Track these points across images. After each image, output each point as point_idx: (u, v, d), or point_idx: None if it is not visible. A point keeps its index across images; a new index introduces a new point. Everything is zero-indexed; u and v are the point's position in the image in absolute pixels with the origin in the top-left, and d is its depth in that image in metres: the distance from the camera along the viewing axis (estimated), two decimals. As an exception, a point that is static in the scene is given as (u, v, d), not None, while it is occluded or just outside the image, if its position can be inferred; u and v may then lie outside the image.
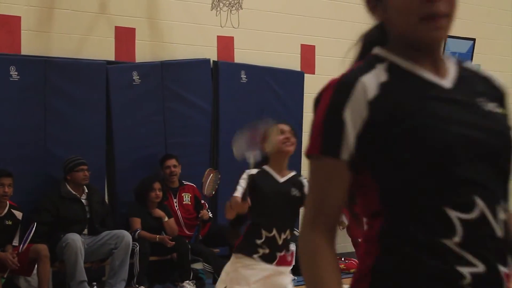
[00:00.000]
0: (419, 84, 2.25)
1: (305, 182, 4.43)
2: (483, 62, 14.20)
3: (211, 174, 10.09)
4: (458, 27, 12.88)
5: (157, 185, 9.53)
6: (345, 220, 11.50)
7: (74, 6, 9.67)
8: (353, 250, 11.85)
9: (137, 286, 9.14)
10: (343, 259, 11.20)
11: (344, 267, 11.04)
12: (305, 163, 10.48)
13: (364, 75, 2.30)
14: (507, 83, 11.44)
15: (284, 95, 11.24)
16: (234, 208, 5.55)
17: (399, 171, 2.17)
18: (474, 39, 14.06)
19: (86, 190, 9.20)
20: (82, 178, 9.10)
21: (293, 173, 5.95)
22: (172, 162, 9.89)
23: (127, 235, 9.06)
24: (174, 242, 9.37)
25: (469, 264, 2.15)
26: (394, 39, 2.34)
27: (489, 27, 14.27)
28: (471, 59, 14.05)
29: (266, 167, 5.80)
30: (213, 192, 10.13)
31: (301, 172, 11.54)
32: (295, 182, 5.83)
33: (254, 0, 10.94)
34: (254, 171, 5.79)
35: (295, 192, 5.75)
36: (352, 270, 11.03)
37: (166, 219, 9.56)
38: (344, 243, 11.99)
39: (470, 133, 2.20)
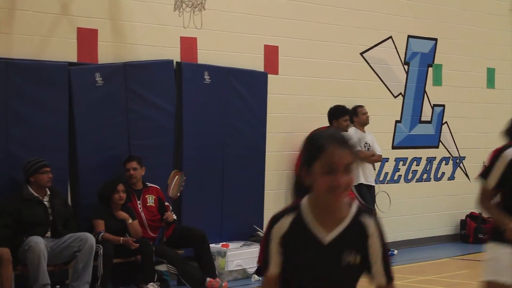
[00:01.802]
0: (307, 238, 3.42)
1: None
2: (445, 61, 14.33)
3: (177, 176, 10.08)
4: (420, 27, 13.06)
5: (120, 187, 9.48)
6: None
7: (35, 7, 9.59)
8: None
9: (101, 288, 9.11)
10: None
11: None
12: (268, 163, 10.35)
13: (276, 223, 3.48)
14: (468, 81, 11.57)
15: (247, 95, 11.25)
16: None
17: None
18: (436, 39, 14.17)
19: (49, 193, 9.13)
20: (46, 181, 9.04)
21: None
22: (132, 165, 9.84)
23: (90, 238, 9.01)
24: (138, 244, 9.34)
25: None
26: (313, 196, 3.48)
27: (450, 27, 14.38)
28: (433, 58, 14.15)
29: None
30: (178, 194, 10.12)
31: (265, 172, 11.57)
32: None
33: (217, 1, 10.93)
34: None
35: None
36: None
37: (130, 221, 9.52)
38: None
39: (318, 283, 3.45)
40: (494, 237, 5.25)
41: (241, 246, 10.70)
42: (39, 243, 8.62)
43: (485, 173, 5.51)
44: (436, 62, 14.22)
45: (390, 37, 13.44)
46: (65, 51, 9.74)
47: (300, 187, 3.55)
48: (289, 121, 11.93)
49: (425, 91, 14.05)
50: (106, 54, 10.05)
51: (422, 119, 14.01)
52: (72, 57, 9.80)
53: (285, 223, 3.46)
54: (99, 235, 9.26)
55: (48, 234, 9.05)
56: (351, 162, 3.36)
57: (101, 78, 9.84)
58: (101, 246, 9.12)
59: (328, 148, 3.39)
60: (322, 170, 3.37)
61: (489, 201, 5.47)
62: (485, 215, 5.33)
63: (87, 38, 9.91)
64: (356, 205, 3.48)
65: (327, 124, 11.95)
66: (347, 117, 11.75)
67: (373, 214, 3.52)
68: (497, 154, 5.51)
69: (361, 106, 12.56)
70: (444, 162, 14.35)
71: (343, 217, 3.44)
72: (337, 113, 11.75)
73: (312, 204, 3.46)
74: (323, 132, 3.54)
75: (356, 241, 3.44)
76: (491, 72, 15.15)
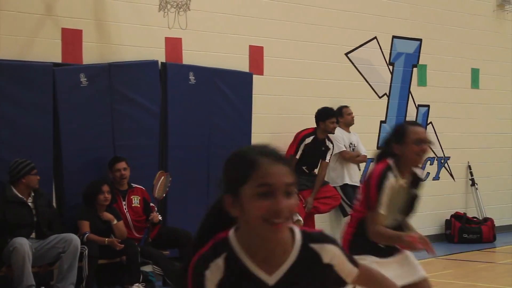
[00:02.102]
0: (249, 282, 2.76)
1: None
2: (430, 62, 14.37)
3: (162, 177, 10.06)
4: (405, 28, 13.08)
5: (105, 188, 9.46)
6: (300, 220, 11.56)
7: (19, 7, 9.56)
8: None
9: (86, 289, 9.08)
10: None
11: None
12: None
13: (207, 269, 2.77)
14: (453, 82, 11.59)
15: (232, 96, 11.24)
16: None
17: None
18: (420, 40, 14.21)
19: (33, 194, 9.10)
20: (36, 182, 9.03)
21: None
22: (122, 165, 9.83)
23: (75, 239, 8.99)
24: (123, 245, 9.32)
25: None
26: (244, 230, 2.79)
27: (435, 27, 14.43)
28: (418, 59, 14.19)
29: None
30: (164, 195, 10.10)
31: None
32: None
33: (202, 1, 10.93)
34: None
35: None
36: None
37: (115, 222, 9.50)
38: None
39: None
40: (355, 250, 5.07)
41: (226, 246, 10.68)
42: (24, 244, 8.59)
43: (375, 204, 5.54)
44: (420, 62, 14.26)
45: (375, 37, 13.47)
46: (49, 51, 9.71)
47: (217, 220, 2.87)
48: (274, 121, 11.94)
49: (409, 92, 14.08)
50: (91, 54, 10.03)
51: (407, 119, 14.04)
52: (57, 57, 9.77)
53: (218, 268, 2.78)
54: (84, 236, 9.24)
55: (33, 235, 9.02)
56: (291, 182, 2.71)
57: (85, 79, 9.81)
58: (86, 247, 9.10)
59: (262, 163, 2.70)
60: (256, 192, 2.68)
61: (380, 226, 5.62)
62: (383, 241, 5.40)
63: (71, 38, 9.88)
64: (300, 231, 2.86)
65: (313, 125, 11.97)
66: (334, 119, 11.77)
67: (322, 235, 2.91)
68: (379, 184, 5.57)
69: (346, 107, 12.58)
70: (429, 162, 14.39)
71: (287, 249, 2.80)
72: (324, 115, 11.76)
73: (244, 240, 2.78)
74: (252, 146, 2.87)
75: (311, 274, 2.85)
76: (475, 73, 15.20)
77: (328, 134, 11.80)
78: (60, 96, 9.62)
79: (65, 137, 9.66)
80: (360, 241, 5.64)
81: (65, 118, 9.67)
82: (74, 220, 9.47)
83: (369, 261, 5.47)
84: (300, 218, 11.52)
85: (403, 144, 5.70)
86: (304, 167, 11.79)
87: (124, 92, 10.17)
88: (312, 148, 11.69)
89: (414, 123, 5.90)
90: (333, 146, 11.92)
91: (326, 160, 11.86)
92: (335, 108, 12.47)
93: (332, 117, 11.75)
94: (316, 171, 11.99)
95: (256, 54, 11.76)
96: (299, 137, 11.71)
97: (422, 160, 5.71)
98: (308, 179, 11.86)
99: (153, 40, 10.58)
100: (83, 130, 9.80)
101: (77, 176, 9.67)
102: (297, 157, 11.63)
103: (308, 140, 11.68)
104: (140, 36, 10.47)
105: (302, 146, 11.64)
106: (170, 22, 10.17)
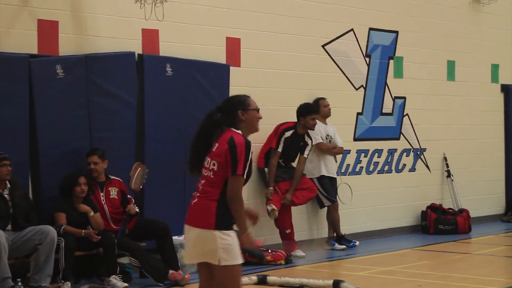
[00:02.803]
0: None
1: None
2: (406, 54, 14.43)
3: (139, 168, 10.05)
4: (381, 20, 13.15)
5: (82, 180, 9.44)
6: (275, 209, 11.59)
7: (-5, -2, 9.50)
8: (280, 241, 11.94)
9: (62, 281, 9.05)
10: (269, 250, 11.25)
11: (271, 259, 11.09)
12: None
13: None
14: (429, 74, 11.71)
15: (209, 88, 11.24)
16: None
17: None
18: (397, 32, 14.26)
19: (9, 185, 9.07)
20: (5, 174, 8.97)
21: None
22: (93, 159, 9.80)
23: (52, 231, 8.96)
24: (100, 237, 9.30)
25: None
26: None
27: (411, 20, 14.49)
28: (394, 51, 14.24)
29: None
30: (141, 187, 10.08)
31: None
32: None
33: (179, -8, 10.92)
34: None
35: None
36: (278, 262, 11.11)
37: (92, 213, 9.48)
38: (271, 234, 12.06)
39: None
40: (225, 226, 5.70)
41: (203, 238, 10.68)
42: (0, 237, 8.56)
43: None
44: (397, 54, 14.31)
45: (352, 29, 13.50)
46: (25, 43, 9.66)
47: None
48: (251, 113, 11.93)
49: (386, 84, 14.14)
50: (67, 46, 9.98)
51: (384, 111, 14.10)
52: (33, 49, 9.72)
53: None
54: (60, 228, 9.22)
55: (9, 227, 8.98)
56: None
57: (62, 70, 9.77)
58: (62, 239, 9.07)
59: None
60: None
61: None
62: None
63: (48, 30, 9.83)
64: None
65: (289, 116, 12.00)
66: (314, 116, 11.79)
67: None
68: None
69: (323, 99, 12.61)
70: (405, 154, 14.46)
71: None
72: (305, 110, 11.81)
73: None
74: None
75: None
76: (451, 65, 15.28)
77: (308, 130, 11.85)
78: (36, 87, 9.57)
79: (41, 129, 9.63)
80: None
81: (42, 109, 9.63)
82: (50, 212, 9.44)
83: None
84: (275, 208, 11.56)
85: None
86: (280, 160, 11.83)
87: (101, 83, 10.14)
88: (291, 142, 11.73)
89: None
90: (311, 141, 11.96)
91: (304, 155, 11.90)
92: (312, 100, 12.51)
93: (313, 113, 11.79)
94: (292, 164, 12.03)
95: (233, 46, 11.76)
96: (280, 130, 11.73)
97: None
98: (285, 171, 11.90)
99: (130, 32, 10.55)
100: (60, 121, 9.76)
101: (53, 168, 9.64)
102: (280, 150, 11.68)
103: (288, 134, 11.72)
104: (117, 28, 10.44)
105: (282, 139, 11.68)
106: (147, 14, 10.14)
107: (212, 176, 5.71)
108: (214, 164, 5.70)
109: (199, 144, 5.96)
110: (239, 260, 5.69)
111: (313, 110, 11.87)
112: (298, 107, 11.88)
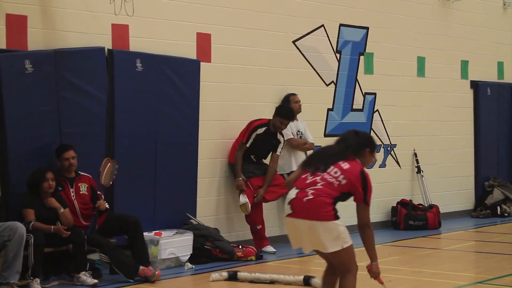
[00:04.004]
0: None
1: None
2: (376, 50, 14.47)
3: (109, 164, 9.99)
4: (352, 16, 13.17)
5: (49, 175, 9.37)
6: (248, 202, 11.58)
7: (-38, -8, 9.41)
8: (251, 237, 11.93)
9: (32, 278, 8.99)
10: (240, 246, 11.24)
11: (242, 255, 11.08)
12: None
13: None
14: (399, 70, 11.75)
15: (180, 83, 11.20)
16: None
17: None
18: (367, 28, 14.30)
19: (-23, 182, 9.00)
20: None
21: None
22: (71, 154, 9.74)
23: (20, 227, 8.89)
24: (69, 233, 9.24)
25: None
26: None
27: (382, 16, 14.53)
28: (365, 47, 14.28)
29: None
30: (111, 183, 10.03)
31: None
32: None
33: (149, -13, 10.87)
34: None
35: None
36: (249, 258, 11.10)
37: (62, 210, 9.42)
38: (243, 230, 12.06)
39: None
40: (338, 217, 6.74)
41: (174, 234, 10.68)
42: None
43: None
44: (367, 50, 14.35)
45: (322, 25, 13.52)
46: (-7, 37, 9.58)
47: None
48: (222, 109, 11.94)
49: (356, 80, 14.17)
50: (36, 41, 9.90)
51: (354, 107, 14.14)
52: (1, 44, 9.63)
53: None
54: (29, 224, 9.15)
55: (-23, 223, 8.92)
56: None
57: (31, 65, 9.69)
58: (31, 235, 9.01)
59: None
60: None
61: None
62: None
63: (16, 24, 9.75)
64: None
65: (260, 112, 12.01)
66: (283, 121, 11.70)
67: None
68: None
69: (293, 94, 12.62)
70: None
71: None
72: (278, 111, 11.79)
73: None
74: None
75: None
76: (421, 61, 15.34)
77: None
78: (4, 82, 9.48)
79: (9, 124, 9.54)
80: None
81: (10, 105, 9.54)
82: (19, 208, 9.37)
83: None
84: (247, 200, 11.55)
85: None
86: (252, 156, 11.82)
87: (70, 79, 10.08)
88: (263, 139, 11.72)
89: None
90: (284, 140, 11.95)
91: (277, 153, 11.90)
92: (282, 96, 12.52)
93: (284, 118, 11.71)
94: (263, 161, 12.02)
95: (203, 42, 11.73)
96: (252, 126, 11.71)
97: None
98: (257, 167, 11.89)
99: (100, 27, 10.48)
100: (29, 117, 9.68)
101: (22, 163, 9.56)
102: (248, 145, 11.66)
103: (261, 130, 11.70)
104: (86, 23, 10.37)
105: (253, 135, 11.66)
106: (117, 9, 10.10)
107: (336, 185, 6.54)
108: (343, 178, 6.55)
109: (335, 154, 6.71)
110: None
111: (285, 115, 11.76)
112: (277, 106, 11.92)
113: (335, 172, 6.56)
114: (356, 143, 6.76)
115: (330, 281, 6.78)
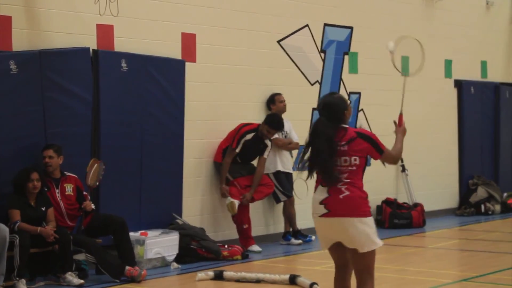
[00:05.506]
0: None
1: None
2: (361, 49, 14.51)
3: (96, 165, 9.99)
4: (336, 16, 13.19)
5: (34, 175, 9.36)
6: (235, 201, 11.59)
7: None
8: (237, 237, 11.95)
9: (17, 279, 8.97)
10: (226, 246, 11.25)
11: (227, 254, 11.10)
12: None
13: None
14: (383, 69, 11.79)
15: (165, 83, 11.21)
16: None
17: None
18: (352, 27, 14.34)
19: (-37, 183, 8.98)
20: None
21: None
22: (48, 153, 9.73)
23: (3, 228, 8.85)
24: (54, 238, 9.22)
25: None
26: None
27: (366, 15, 14.57)
28: (349, 46, 14.32)
29: None
30: (97, 183, 10.03)
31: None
32: None
33: (134, -12, 10.86)
34: None
35: None
36: (235, 257, 11.11)
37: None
38: (229, 230, 12.07)
39: None
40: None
41: (160, 234, 10.68)
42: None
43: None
44: (352, 50, 14.40)
45: (307, 25, 13.55)
46: (-22, 38, 9.56)
47: None
48: (207, 109, 11.95)
49: (341, 79, 14.21)
50: (21, 41, 9.89)
51: (339, 106, 14.14)
52: (-14, 44, 9.62)
53: None
54: (15, 224, 9.14)
55: (-38, 225, 8.89)
56: None
57: (15, 66, 9.68)
58: (17, 236, 9.00)
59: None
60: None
61: None
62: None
63: (1, 25, 9.72)
64: None
65: (245, 112, 12.03)
66: (271, 130, 11.78)
67: None
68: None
69: (278, 94, 12.65)
70: (360, 148, 14.53)
71: None
72: (267, 120, 11.85)
73: None
74: None
75: None
76: (405, 60, 15.35)
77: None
78: (-11, 83, 9.47)
79: (-5, 125, 9.53)
80: None
81: (-5, 106, 9.53)
82: (5, 209, 9.36)
83: None
84: (234, 200, 11.57)
85: None
86: (238, 158, 11.84)
87: (55, 79, 10.06)
88: (251, 145, 11.76)
89: None
90: (271, 143, 11.98)
91: (264, 156, 11.94)
92: (267, 95, 12.55)
93: (272, 128, 11.77)
94: (250, 163, 12.07)
95: (188, 42, 11.74)
96: (242, 132, 11.75)
97: None
98: (242, 167, 11.93)
99: (84, 27, 10.47)
100: (14, 117, 9.67)
101: (8, 164, 9.54)
102: (237, 151, 11.70)
103: (249, 136, 11.75)
104: (71, 23, 10.36)
105: (242, 141, 11.70)
106: (102, 9, 10.09)
107: (355, 169, 6.45)
108: (355, 160, 6.46)
109: (332, 153, 6.48)
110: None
111: (274, 126, 11.83)
112: (268, 115, 11.99)
113: (346, 161, 6.44)
114: (336, 118, 6.53)
115: (345, 286, 6.66)
